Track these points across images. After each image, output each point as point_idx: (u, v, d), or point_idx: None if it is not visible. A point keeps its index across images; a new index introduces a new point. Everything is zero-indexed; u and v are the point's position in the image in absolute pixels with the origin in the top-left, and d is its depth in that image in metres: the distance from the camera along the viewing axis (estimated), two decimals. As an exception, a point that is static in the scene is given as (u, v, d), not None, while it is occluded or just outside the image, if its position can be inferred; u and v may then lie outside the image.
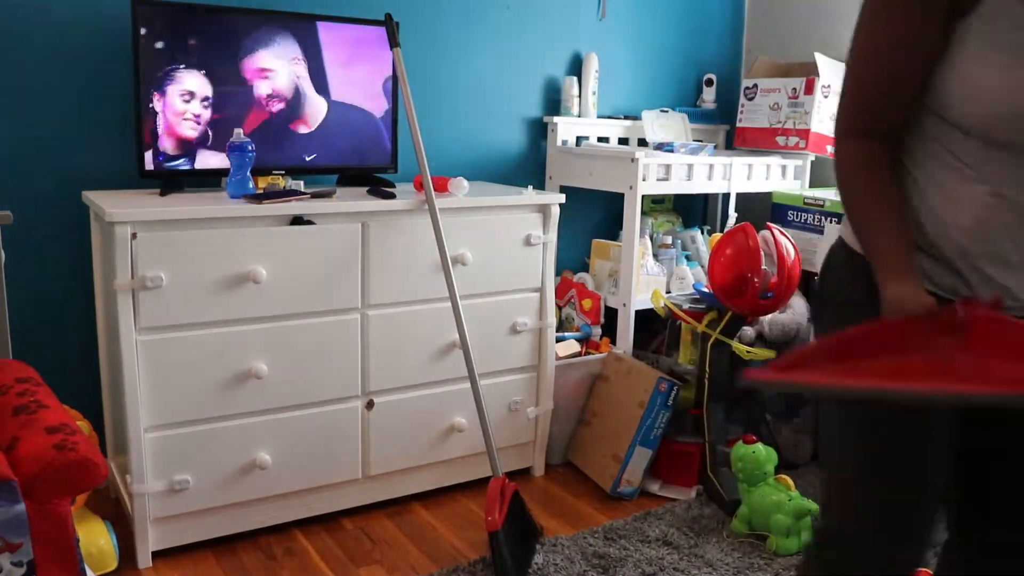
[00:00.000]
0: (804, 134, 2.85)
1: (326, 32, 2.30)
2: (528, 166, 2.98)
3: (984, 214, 1.05)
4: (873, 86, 1.07)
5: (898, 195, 1.09)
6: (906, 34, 1.01)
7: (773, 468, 2.25)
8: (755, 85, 3.02)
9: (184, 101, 2.14)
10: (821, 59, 2.84)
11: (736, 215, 2.94)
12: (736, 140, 3.11)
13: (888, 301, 1.01)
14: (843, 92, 1.11)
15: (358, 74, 2.37)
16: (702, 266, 2.94)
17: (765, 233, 2.41)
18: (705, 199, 3.42)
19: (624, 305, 2.70)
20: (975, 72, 0.99)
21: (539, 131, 2.98)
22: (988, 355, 0.91)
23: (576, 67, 3.00)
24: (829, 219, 2.71)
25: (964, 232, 1.06)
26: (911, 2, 1.00)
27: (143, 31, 2.06)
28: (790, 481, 2.26)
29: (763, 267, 2.33)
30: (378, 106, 2.42)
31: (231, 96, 2.20)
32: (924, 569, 1.74)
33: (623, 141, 3.07)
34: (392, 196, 2.24)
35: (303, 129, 2.32)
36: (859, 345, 0.93)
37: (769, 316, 2.60)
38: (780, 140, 2.93)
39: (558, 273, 2.93)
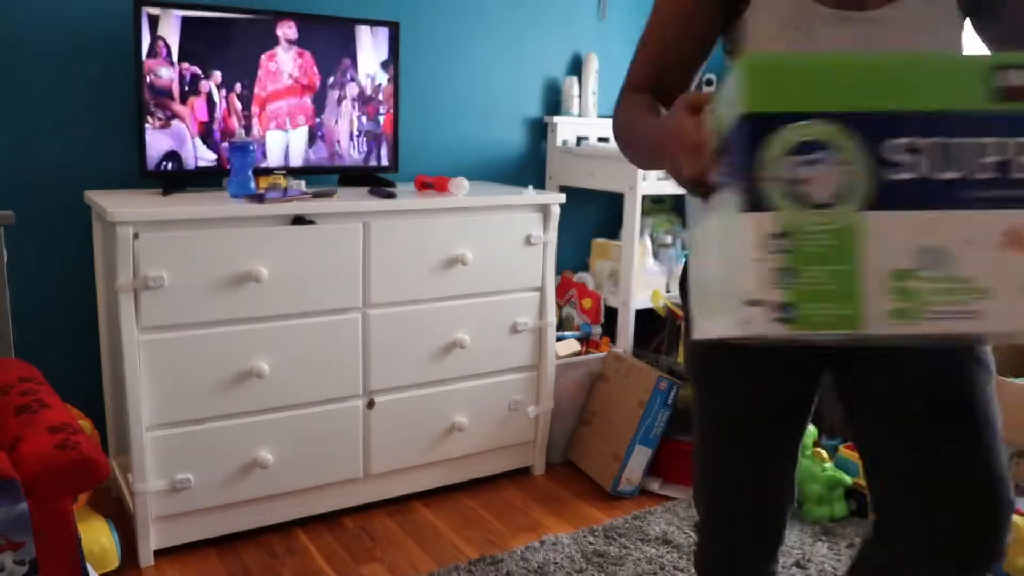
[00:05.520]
0: (804, 134, 2.85)
1: (327, 32, 2.30)
2: (528, 166, 2.98)
3: None
4: (656, 47, 1.19)
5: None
6: (683, 8, 1.16)
7: (812, 442, 2.44)
8: (755, 85, 3.01)
9: (185, 101, 2.15)
10: (821, 59, 2.84)
11: (736, 215, 2.94)
12: (736, 140, 3.10)
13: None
14: (634, 52, 1.22)
15: (359, 74, 2.37)
16: (702, 265, 2.94)
17: (765, 233, 2.41)
18: (705, 199, 3.42)
19: (624, 304, 2.71)
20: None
21: (539, 131, 2.98)
22: None
23: (576, 67, 3.00)
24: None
25: None
26: None
27: (144, 31, 2.06)
28: (825, 454, 2.42)
29: (763, 267, 2.33)
30: (379, 106, 2.42)
31: (232, 96, 2.20)
32: None
33: (623, 141, 3.07)
34: (393, 196, 2.24)
35: (303, 129, 2.32)
36: None
37: (769, 315, 2.60)
38: (780, 140, 2.93)
39: (558, 273, 2.93)
